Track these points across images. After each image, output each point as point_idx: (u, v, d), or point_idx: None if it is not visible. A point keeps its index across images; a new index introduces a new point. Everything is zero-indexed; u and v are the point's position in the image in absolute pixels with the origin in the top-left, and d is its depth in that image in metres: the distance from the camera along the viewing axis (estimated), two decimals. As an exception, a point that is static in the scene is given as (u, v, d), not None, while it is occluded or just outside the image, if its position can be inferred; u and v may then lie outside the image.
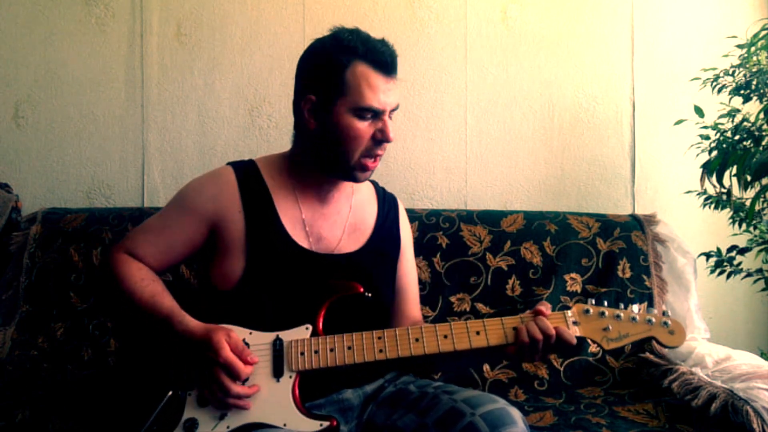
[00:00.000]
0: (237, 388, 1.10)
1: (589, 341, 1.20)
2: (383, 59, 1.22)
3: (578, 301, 1.77)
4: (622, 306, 1.19)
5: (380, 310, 1.33)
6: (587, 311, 1.18)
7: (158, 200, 2.01)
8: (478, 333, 1.16)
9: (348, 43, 1.21)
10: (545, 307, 1.17)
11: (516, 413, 1.08)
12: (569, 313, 1.18)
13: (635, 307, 1.19)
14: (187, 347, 1.13)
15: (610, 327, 1.16)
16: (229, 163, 1.33)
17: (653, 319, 1.17)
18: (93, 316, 1.70)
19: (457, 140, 2.11)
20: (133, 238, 1.29)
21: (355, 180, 1.27)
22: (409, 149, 2.09)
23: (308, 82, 1.25)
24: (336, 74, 1.20)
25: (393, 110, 1.25)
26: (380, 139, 1.22)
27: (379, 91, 1.20)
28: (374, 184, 1.47)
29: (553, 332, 1.13)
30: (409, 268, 1.44)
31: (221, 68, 2.05)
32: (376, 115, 1.22)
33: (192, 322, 1.15)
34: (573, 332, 1.15)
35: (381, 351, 1.15)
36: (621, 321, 1.17)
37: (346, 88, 1.19)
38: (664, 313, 1.18)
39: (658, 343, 1.17)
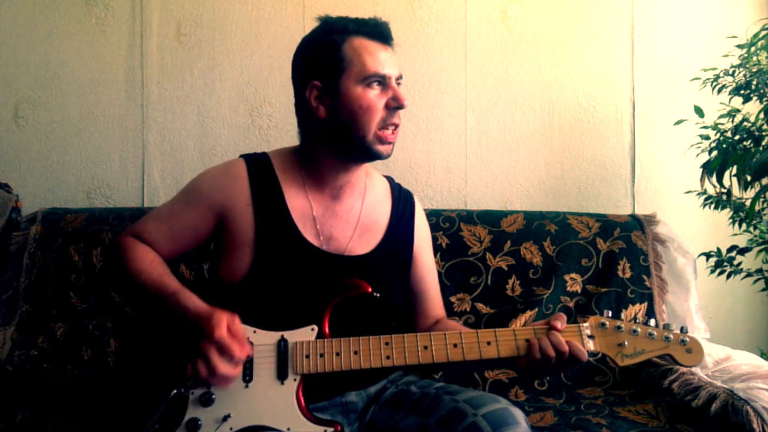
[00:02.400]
0: (223, 367, 1.07)
1: (594, 352, 1.17)
2: (377, 29, 1.22)
3: (579, 302, 1.77)
4: (638, 319, 1.16)
5: (389, 312, 1.31)
6: (603, 324, 1.15)
7: (158, 200, 2.01)
8: (489, 343, 1.13)
9: (338, 23, 1.23)
10: (560, 322, 1.13)
11: (518, 413, 1.07)
12: (585, 325, 1.15)
13: (653, 322, 1.15)
14: (189, 322, 1.11)
15: (626, 342, 1.13)
16: (242, 156, 1.32)
17: (671, 337, 1.13)
18: (93, 316, 1.70)
19: (457, 140, 2.11)
20: (142, 223, 1.29)
21: (378, 156, 1.23)
22: (409, 149, 2.09)
23: (308, 69, 1.24)
24: (334, 53, 1.20)
25: (398, 79, 1.24)
26: (394, 106, 1.21)
27: (381, 58, 1.20)
28: (390, 180, 1.43)
29: (567, 349, 1.09)
30: (428, 270, 1.41)
31: (221, 68, 2.05)
32: (383, 82, 1.21)
33: (200, 301, 1.14)
34: (588, 346, 1.13)
35: (388, 358, 1.13)
36: (638, 336, 1.13)
37: (346, 62, 1.19)
38: (682, 330, 1.14)
39: (674, 361, 1.13)
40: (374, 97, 1.20)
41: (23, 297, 1.72)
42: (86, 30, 2.02)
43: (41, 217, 1.80)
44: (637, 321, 1.16)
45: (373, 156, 1.24)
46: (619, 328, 1.14)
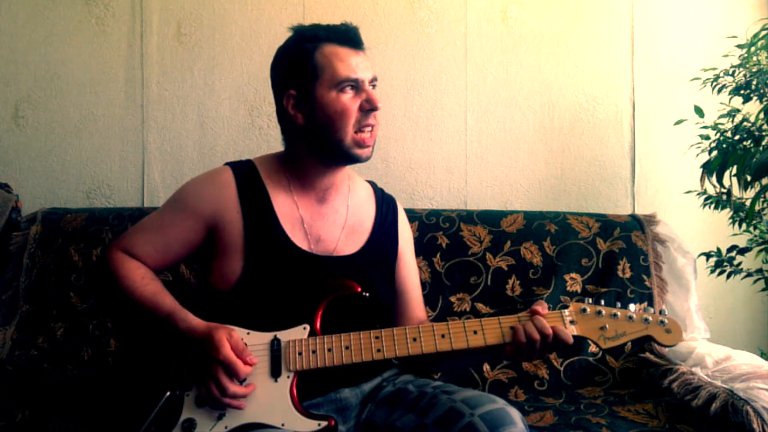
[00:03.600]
0: (234, 387, 1.10)
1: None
2: (347, 35, 1.25)
3: (577, 301, 1.76)
4: (619, 305, 1.20)
5: (378, 311, 1.32)
6: (584, 310, 1.19)
7: (158, 200, 2.01)
8: (475, 332, 1.16)
9: (309, 32, 1.26)
10: (542, 307, 1.18)
11: (515, 413, 1.08)
12: (566, 312, 1.19)
13: (632, 306, 1.19)
14: (188, 344, 1.13)
15: (607, 326, 1.17)
16: (227, 163, 1.33)
17: (650, 318, 1.18)
18: (93, 316, 1.70)
19: (457, 140, 2.11)
20: (130, 236, 1.29)
21: (357, 159, 1.26)
22: (409, 149, 2.09)
23: (284, 79, 1.27)
24: (306, 62, 1.23)
25: (373, 81, 1.26)
26: (367, 108, 1.23)
27: (352, 63, 1.23)
28: (372, 185, 1.46)
29: (550, 332, 1.14)
30: (409, 271, 1.43)
31: (221, 68, 2.05)
32: (356, 86, 1.23)
33: (194, 320, 1.15)
34: (570, 331, 1.16)
35: (379, 351, 1.15)
36: (618, 320, 1.18)
37: (319, 70, 1.22)
38: (661, 312, 1.19)
39: (655, 341, 1.18)
40: (348, 101, 1.22)
41: (23, 297, 1.72)
42: (86, 30, 2.02)
43: (41, 217, 1.80)
44: (617, 305, 1.20)
45: (352, 159, 1.26)
46: (599, 312, 1.19)
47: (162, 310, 1.18)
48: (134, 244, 1.27)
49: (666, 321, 1.18)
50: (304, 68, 1.23)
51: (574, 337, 1.16)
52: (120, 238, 1.30)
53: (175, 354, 1.15)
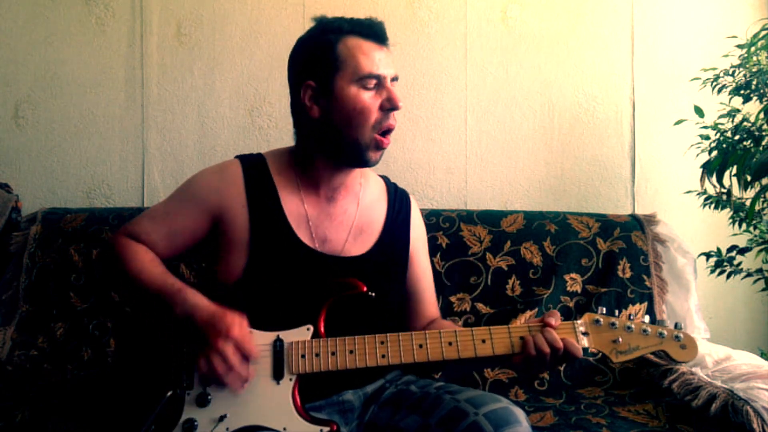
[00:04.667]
0: (240, 366, 1.07)
1: (594, 352, 1.16)
2: (371, 29, 1.22)
3: (579, 302, 1.77)
4: (633, 316, 1.16)
5: (385, 311, 1.31)
6: (597, 321, 1.15)
7: (158, 200, 2.01)
8: (483, 341, 1.14)
9: (332, 23, 1.22)
10: (554, 319, 1.14)
11: (519, 412, 1.07)
12: (579, 322, 1.15)
13: (647, 318, 1.15)
14: (196, 320, 1.10)
15: (620, 339, 1.13)
16: (237, 156, 1.31)
17: (665, 333, 1.14)
18: (93, 316, 1.70)
19: (457, 140, 2.11)
20: (137, 223, 1.27)
21: (367, 162, 1.23)
22: (409, 149, 2.09)
23: (303, 69, 1.24)
24: (328, 53, 1.19)
25: (394, 80, 1.23)
26: (389, 107, 1.20)
27: (375, 58, 1.19)
28: (385, 180, 1.42)
29: (561, 345, 1.10)
30: (423, 271, 1.40)
31: (221, 68, 2.05)
32: (379, 83, 1.20)
33: (205, 299, 1.13)
34: (582, 343, 1.13)
35: (384, 356, 1.13)
36: (632, 333, 1.14)
37: (341, 62, 1.19)
38: (676, 326, 1.15)
39: (669, 357, 1.13)
40: (369, 99, 1.19)
41: (23, 297, 1.72)
42: (86, 30, 2.02)
43: (41, 217, 1.80)
44: (632, 317, 1.16)
45: (362, 162, 1.23)
46: (613, 324, 1.15)
47: (172, 287, 1.15)
48: (140, 230, 1.26)
49: (681, 336, 1.13)
50: (326, 59, 1.19)
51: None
52: (127, 225, 1.28)
53: (176, 346, 1.14)
